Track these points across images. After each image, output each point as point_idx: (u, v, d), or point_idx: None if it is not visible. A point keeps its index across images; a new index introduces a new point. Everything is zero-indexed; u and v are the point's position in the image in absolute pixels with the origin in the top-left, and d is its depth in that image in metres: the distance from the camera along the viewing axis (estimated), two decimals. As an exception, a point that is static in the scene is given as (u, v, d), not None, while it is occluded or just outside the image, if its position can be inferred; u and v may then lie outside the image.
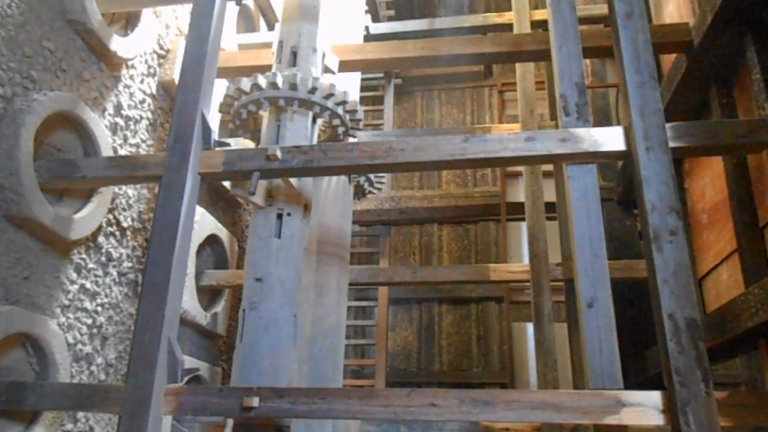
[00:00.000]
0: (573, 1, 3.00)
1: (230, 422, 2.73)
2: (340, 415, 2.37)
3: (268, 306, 2.99)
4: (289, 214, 3.17)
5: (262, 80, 3.23)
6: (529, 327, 6.92)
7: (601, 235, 2.48)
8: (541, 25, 5.79)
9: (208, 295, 4.77)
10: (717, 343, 3.44)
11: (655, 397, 2.19)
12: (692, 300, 2.24)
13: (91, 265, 3.47)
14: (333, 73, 3.82)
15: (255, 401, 2.37)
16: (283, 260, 3.08)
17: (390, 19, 7.95)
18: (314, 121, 3.43)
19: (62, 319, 3.22)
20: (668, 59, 4.52)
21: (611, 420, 2.17)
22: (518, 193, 7.09)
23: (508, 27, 5.88)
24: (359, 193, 4.33)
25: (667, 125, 2.54)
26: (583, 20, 5.66)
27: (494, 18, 6.22)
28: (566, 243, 5.10)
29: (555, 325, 4.71)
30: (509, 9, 5.97)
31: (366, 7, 5.95)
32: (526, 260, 6.65)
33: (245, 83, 3.27)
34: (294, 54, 3.52)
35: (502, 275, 5.05)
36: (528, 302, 5.62)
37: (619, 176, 5.75)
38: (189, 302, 4.22)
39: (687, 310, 2.21)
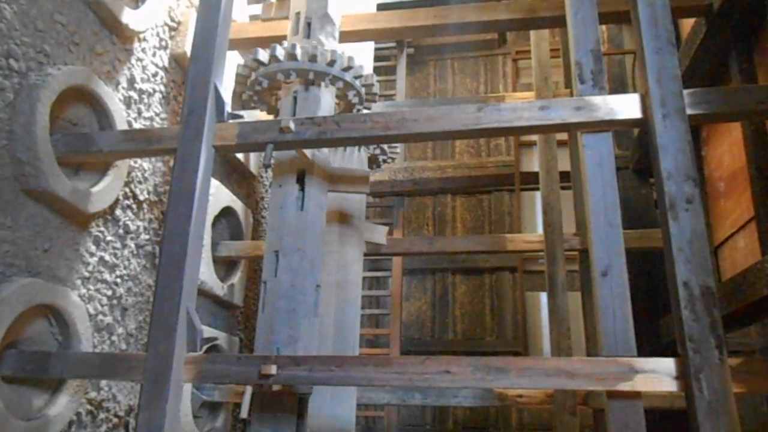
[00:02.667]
0: (589, -35, 2.93)
1: (249, 390, 2.79)
2: (357, 382, 2.42)
3: (289, 277, 3.03)
4: (312, 188, 3.19)
5: (280, 51, 3.21)
6: (543, 296, 6.95)
7: (617, 203, 2.47)
8: (556, -9, 5.67)
9: (225, 266, 4.83)
10: (732, 311, 3.44)
11: (668, 363, 2.20)
12: (707, 268, 2.23)
13: (109, 238, 3.53)
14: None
15: (273, 369, 2.43)
16: (307, 232, 3.11)
17: (402, -14, 7.83)
18: (330, 92, 3.41)
19: (83, 291, 3.28)
20: (687, 24, 4.43)
21: (624, 386, 2.19)
22: (532, 162, 7.04)
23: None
24: (373, 163, 4.33)
25: (685, 92, 2.50)
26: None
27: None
28: (581, 212, 5.07)
29: (569, 295, 4.72)
30: (523, -26, 5.85)
31: (377, -25, 5.85)
32: (540, 230, 6.63)
33: (262, 55, 3.25)
34: (309, 25, 3.49)
35: (517, 245, 5.05)
36: (542, 272, 5.63)
37: (635, 144, 5.69)
38: (206, 273, 4.28)
39: (702, 277, 2.21)
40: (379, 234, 4.11)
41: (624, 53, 6.36)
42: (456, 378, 2.30)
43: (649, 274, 5.26)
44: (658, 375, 2.20)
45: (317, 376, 2.42)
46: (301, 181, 3.22)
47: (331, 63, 3.24)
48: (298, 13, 3.58)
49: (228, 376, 2.54)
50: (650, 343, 4.93)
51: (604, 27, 6.29)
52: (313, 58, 3.20)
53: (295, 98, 3.31)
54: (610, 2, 3.69)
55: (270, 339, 2.94)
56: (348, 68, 3.30)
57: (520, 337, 6.98)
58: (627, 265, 2.39)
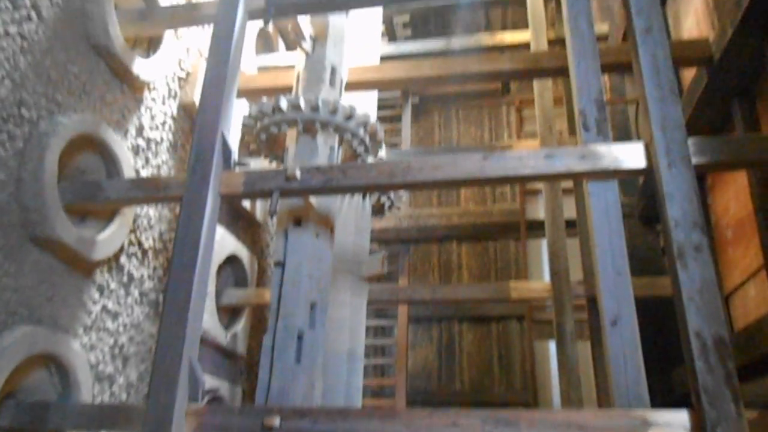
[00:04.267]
0: (591, 18, 3.00)
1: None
2: (361, 435, 2.34)
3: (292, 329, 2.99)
4: (319, 236, 3.18)
5: (283, 102, 3.26)
6: (552, 345, 6.83)
7: (624, 251, 2.45)
8: (558, 43, 5.79)
9: (229, 315, 4.78)
10: (746, 362, 3.36)
11: (682, 416, 2.13)
12: (719, 317, 2.18)
13: (113, 286, 3.51)
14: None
15: (276, 421, 2.36)
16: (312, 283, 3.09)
17: (407, 38, 8.02)
18: (335, 141, 3.45)
19: (85, 339, 3.24)
20: (688, 74, 4.49)
21: (638, 441, 2.12)
22: (538, 210, 7.05)
23: (525, 45, 5.90)
24: (378, 211, 4.33)
25: (689, 140, 2.51)
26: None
27: (511, 36, 6.25)
28: (587, 260, 5.04)
29: (578, 344, 4.64)
30: (526, 27, 5.99)
31: (383, 28, 6.01)
32: (546, 278, 6.58)
33: (267, 105, 3.30)
34: (316, 76, 3.56)
35: (522, 293, 5.00)
36: (550, 320, 5.55)
37: (641, 192, 5.69)
38: (209, 322, 4.23)
39: (714, 327, 2.16)
40: (375, 263, 4.04)
41: (627, 102, 6.45)
42: (464, 431, 2.23)
43: (659, 323, 5.17)
44: (672, 428, 2.12)
45: (321, 429, 2.35)
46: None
47: (335, 112, 3.28)
48: (304, 64, 3.65)
49: (230, 429, 2.47)
50: (663, 395, 4.81)
51: (606, 76, 6.40)
52: (316, 108, 3.25)
53: (299, 147, 3.34)
54: (612, 53, 3.75)
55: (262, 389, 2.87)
56: (352, 117, 3.33)
57: (529, 388, 6.83)
58: (636, 314, 2.35)
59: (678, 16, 4.93)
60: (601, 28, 6.10)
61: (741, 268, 3.94)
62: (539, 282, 5.55)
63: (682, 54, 3.78)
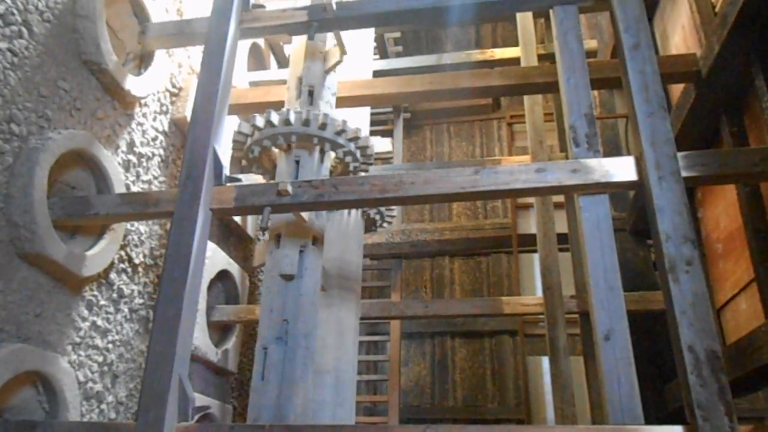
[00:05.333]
0: (580, 35, 3.03)
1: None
2: (353, 453, 2.32)
3: (289, 345, 2.97)
4: (311, 252, 3.18)
5: (274, 117, 3.26)
6: (545, 361, 6.81)
7: (616, 266, 2.45)
8: (547, 59, 5.84)
9: (219, 331, 4.74)
10: (739, 376, 3.36)
11: (677, 432, 2.13)
12: (712, 331, 2.19)
13: (102, 302, 3.47)
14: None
15: (266, 440, 2.33)
16: (305, 299, 3.07)
17: (398, 55, 8.07)
18: (326, 155, 3.45)
19: (73, 357, 3.20)
20: (677, 89, 4.54)
21: (632, 457, 2.10)
22: (529, 224, 7.06)
23: (515, 61, 5.94)
24: (370, 226, 4.33)
25: (679, 154, 2.53)
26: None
27: (501, 52, 6.30)
28: (580, 275, 5.04)
29: (571, 359, 4.63)
30: (516, 44, 6.04)
31: (374, 44, 6.04)
32: (539, 292, 6.58)
33: (258, 120, 3.30)
34: (307, 91, 3.57)
35: (515, 308, 4.99)
36: (542, 335, 5.54)
37: (631, 206, 5.72)
38: (200, 338, 4.19)
39: (707, 341, 2.16)
40: None
41: (616, 117, 6.50)
42: (457, 448, 2.21)
43: (652, 337, 5.18)
44: (666, 444, 2.11)
45: (312, 447, 2.33)
46: (276, 243, 3.21)
47: (324, 126, 3.27)
48: (296, 79, 3.66)
49: (219, 448, 2.43)
50: (656, 410, 4.80)
51: (596, 92, 6.45)
52: (307, 123, 3.25)
53: (291, 162, 3.34)
54: (601, 69, 3.79)
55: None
56: (343, 132, 3.33)
57: (522, 404, 6.79)
58: (629, 329, 2.35)
59: (665, 33, 4.99)
60: (590, 44, 6.16)
61: (732, 282, 3.95)
62: (532, 297, 5.54)
63: (670, 70, 3.83)
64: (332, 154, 3.48)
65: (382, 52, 7.96)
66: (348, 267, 3.83)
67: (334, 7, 3.29)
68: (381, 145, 5.12)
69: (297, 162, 3.32)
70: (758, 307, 3.48)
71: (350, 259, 3.86)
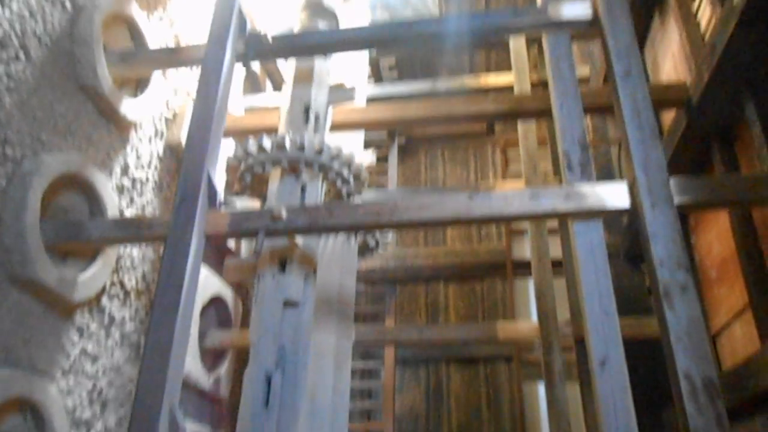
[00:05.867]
0: (572, 62, 3.07)
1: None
2: (347, 483, 2.28)
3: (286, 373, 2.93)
4: (306, 278, 3.14)
5: (267, 142, 3.28)
6: (541, 387, 6.75)
7: (611, 291, 2.45)
8: (540, 85, 5.92)
9: (212, 357, 4.68)
10: (736, 403, 3.34)
11: (674, 461, 2.10)
12: (708, 358, 2.18)
13: (93, 327, 3.43)
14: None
15: (258, 469, 2.29)
16: (254, 325, 3.02)
17: (393, 80, 8.15)
18: (320, 180, 3.45)
19: (62, 384, 3.15)
20: (668, 116, 4.59)
21: (630, 486, 2.07)
22: (524, 249, 7.07)
23: (509, 88, 6.01)
24: (364, 251, 4.31)
25: (671, 180, 2.55)
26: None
27: (495, 78, 6.38)
28: (574, 300, 5.03)
29: (567, 385, 4.59)
30: (509, 70, 6.12)
31: (369, 70, 6.10)
32: (534, 318, 6.56)
33: (251, 145, 3.31)
34: (301, 116, 3.59)
35: (510, 334, 4.96)
36: (538, 362, 5.50)
37: (625, 232, 5.74)
38: (192, 364, 4.14)
39: (703, 368, 2.15)
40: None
41: (609, 143, 6.56)
42: (452, 478, 2.17)
43: (648, 363, 5.15)
44: (664, 473, 2.08)
45: (305, 477, 2.28)
46: (281, 268, 3.18)
47: (320, 151, 3.29)
48: (291, 103, 3.68)
49: (210, 477, 2.38)
50: (653, 437, 4.75)
51: (588, 118, 6.52)
52: (301, 148, 3.26)
53: (284, 186, 3.34)
54: (594, 95, 3.83)
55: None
56: (335, 156, 3.34)
57: (518, 431, 6.71)
58: (625, 355, 2.33)
59: (656, 61, 5.07)
60: (583, 71, 6.25)
61: (726, 308, 3.95)
62: (527, 322, 5.52)
63: (662, 96, 3.87)
64: (327, 179, 3.48)
65: (377, 78, 8.04)
66: (341, 291, 3.80)
67: (270, 39, 3.34)
68: (367, 157, 5.11)
69: (290, 187, 3.32)
70: (754, 333, 3.47)
71: (345, 284, 3.84)
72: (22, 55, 3.03)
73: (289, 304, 3.06)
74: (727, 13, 3.19)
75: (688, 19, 4.24)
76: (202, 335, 4.45)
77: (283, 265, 3.18)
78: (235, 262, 3.68)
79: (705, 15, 4.06)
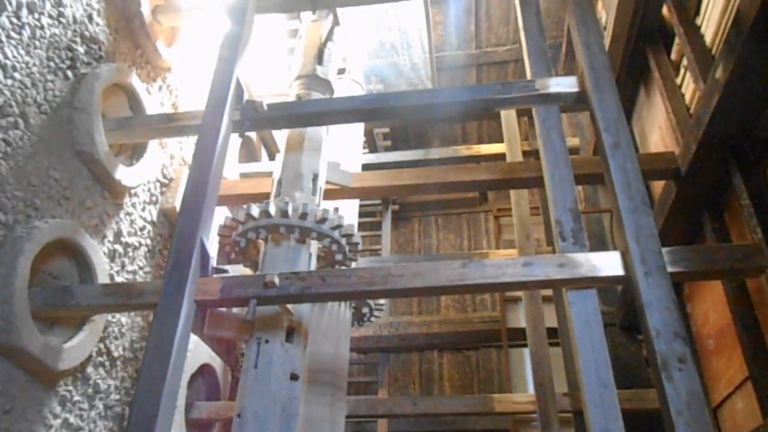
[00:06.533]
0: (562, 133, 3.14)
1: None
2: None
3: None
4: (266, 341, 3.00)
5: (254, 209, 3.27)
6: (538, 463, 6.50)
7: (608, 362, 2.40)
8: (532, 155, 6.02)
9: (199, 429, 4.51)
10: (740, 481, 3.22)
11: None
12: (709, 433, 2.11)
13: (76, 398, 3.32)
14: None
15: None
16: (257, 392, 2.88)
17: (387, 149, 8.29)
18: (313, 247, 3.44)
19: (40, 458, 3.02)
20: (658, 185, 4.65)
21: None
22: (519, 318, 7.00)
23: (501, 156, 6.12)
24: (358, 319, 4.25)
25: (664, 250, 2.55)
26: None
27: (487, 148, 6.50)
28: (571, 370, 4.93)
29: (566, 461, 4.43)
30: (501, 140, 6.25)
31: (364, 139, 6.22)
32: (530, 388, 6.40)
33: (241, 213, 3.30)
34: (292, 183, 3.60)
35: (507, 406, 4.83)
36: (535, 435, 5.32)
37: (620, 300, 5.70)
38: (177, 437, 3.98)
39: (705, 444, 2.09)
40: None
41: (601, 212, 6.62)
42: None
43: (647, 437, 5.00)
44: None
45: None
46: (290, 337, 3.09)
47: (303, 216, 3.27)
48: (281, 172, 3.70)
49: None
50: None
51: (580, 187, 6.61)
52: (284, 214, 3.25)
53: (275, 253, 3.31)
54: (584, 165, 3.89)
55: None
56: (323, 220, 3.31)
57: None
58: (625, 429, 2.26)
59: (644, 132, 5.19)
60: (572, 141, 6.38)
61: (726, 380, 3.87)
62: (524, 394, 5.39)
63: (650, 167, 3.94)
64: (319, 245, 3.47)
65: (371, 146, 8.18)
66: (332, 360, 3.72)
67: (265, 108, 3.41)
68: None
69: (281, 253, 3.29)
70: (755, 407, 3.39)
71: (335, 352, 3.76)
72: (21, 123, 3.07)
73: (294, 377, 2.98)
74: (711, 86, 3.30)
75: (673, 92, 4.37)
76: (188, 406, 4.31)
77: (290, 335, 3.08)
78: (220, 313, 3.50)
79: (689, 88, 4.19)
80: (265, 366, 2.96)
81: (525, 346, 5.49)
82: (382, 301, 4.49)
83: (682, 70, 4.33)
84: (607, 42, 5.02)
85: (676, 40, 4.32)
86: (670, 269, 2.51)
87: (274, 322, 3.07)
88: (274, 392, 2.90)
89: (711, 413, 4.02)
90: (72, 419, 3.27)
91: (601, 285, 2.72)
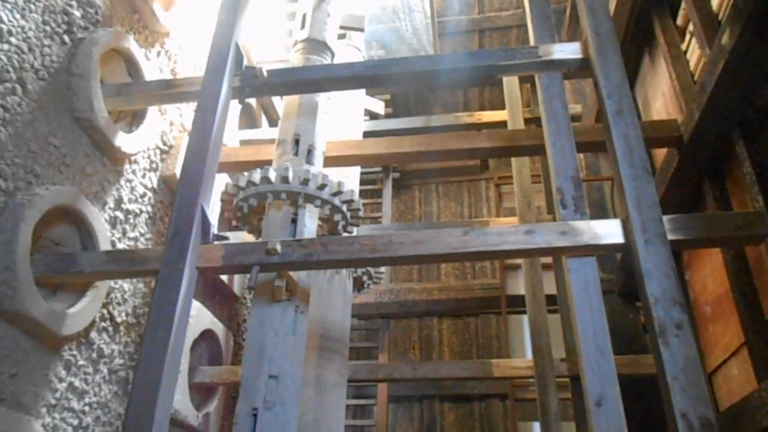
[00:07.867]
0: (564, 100, 3.11)
1: None
2: None
3: (283, 407, 2.82)
4: (302, 312, 3.07)
5: (272, 174, 3.23)
6: (536, 426, 6.64)
7: (606, 329, 2.43)
8: (534, 122, 5.98)
9: (201, 393, 4.59)
10: (733, 444, 3.29)
11: (673, 504, 2.05)
12: (705, 397, 2.15)
13: (81, 362, 3.37)
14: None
15: None
16: (297, 359, 2.93)
17: (388, 116, 8.23)
18: (315, 213, 3.43)
19: (47, 420, 3.07)
20: (660, 153, 4.64)
21: None
22: (518, 285, 7.04)
23: (503, 124, 6.07)
24: (358, 286, 4.29)
25: (665, 218, 2.56)
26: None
27: (489, 115, 6.45)
28: (569, 337, 4.99)
29: (563, 424, 4.51)
30: (503, 108, 6.20)
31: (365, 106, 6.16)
32: (528, 354, 6.49)
33: (255, 176, 3.26)
34: (297, 149, 3.58)
35: (505, 371, 4.90)
36: (533, 399, 5.42)
37: (619, 268, 5.73)
38: (180, 401, 4.05)
39: (700, 408, 2.12)
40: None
41: (602, 179, 6.61)
42: None
43: (644, 402, 5.08)
44: None
45: None
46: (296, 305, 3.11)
47: (322, 187, 3.27)
48: (286, 135, 3.68)
49: None
50: (650, 479, 4.66)
51: (581, 155, 6.58)
52: (305, 182, 3.24)
53: (280, 219, 3.31)
54: (586, 133, 3.87)
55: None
56: (323, 186, 3.30)
57: (512, 472, 6.56)
58: (621, 394, 2.30)
59: (647, 100, 5.14)
60: (575, 109, 6.33)
61: (722, 346, 3.92)
62: (522, 359, 5.46)
63: (653, 134, 3.92)
64: (321, 212, 3.47)
65: (373, 114, 8.12)
66: (335, 327, 3.76)
67: (265, 74, 3.37)
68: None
69: (285, 220, 3.29)
70: (750, 372, 3.44)
71: (338, 318, 3.79)
72: (18, 89, 3.04)
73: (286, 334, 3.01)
74: (716, 53, 3.26)
75: (678, 59, 4.32)
76: (191, 371, 4.37)
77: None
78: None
79: (694, 55, 4.14)
80: (301, 336, 3.00)
81: (524, 312, 5.55)
82: (382, 269, 4.52)
83: (687, 36, 4.27)
84: (612, 6, 4.94)
85: (683, 5, 4.25)
86: (670, 237, 2.52)
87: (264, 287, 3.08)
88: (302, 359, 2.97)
89: (706, 378, 4.08)
90: (77, 383, 3.32)
91: (603, 253, 2.73)
